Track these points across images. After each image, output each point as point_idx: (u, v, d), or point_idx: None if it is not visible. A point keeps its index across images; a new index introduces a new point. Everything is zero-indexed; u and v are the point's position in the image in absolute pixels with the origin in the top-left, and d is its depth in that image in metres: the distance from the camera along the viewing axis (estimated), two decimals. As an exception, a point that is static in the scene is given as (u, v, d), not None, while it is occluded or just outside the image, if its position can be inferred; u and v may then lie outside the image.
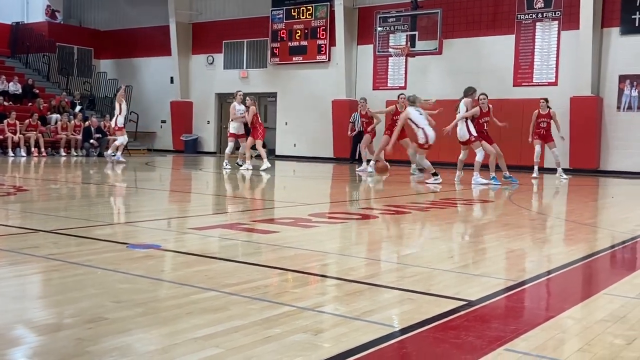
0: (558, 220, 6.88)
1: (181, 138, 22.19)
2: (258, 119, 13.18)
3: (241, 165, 13.45)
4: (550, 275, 3.73)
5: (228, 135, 13.56)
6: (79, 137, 18.33)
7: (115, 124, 15.68)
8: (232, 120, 13.30)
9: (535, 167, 12.93)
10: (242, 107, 13.20)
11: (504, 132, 13.56)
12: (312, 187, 10.37)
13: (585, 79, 15.47)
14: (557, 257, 4.33)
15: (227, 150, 13.66)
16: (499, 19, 17.01)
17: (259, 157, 13.83)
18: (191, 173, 13.60)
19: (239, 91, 13.88)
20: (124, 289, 3.02)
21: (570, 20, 15.90)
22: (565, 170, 15.71)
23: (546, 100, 12.82)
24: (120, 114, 15.44)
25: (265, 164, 13.09)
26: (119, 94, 15.89)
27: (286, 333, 2.38)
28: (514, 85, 16.62)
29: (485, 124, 10.97)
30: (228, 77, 21.83)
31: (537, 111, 12.76)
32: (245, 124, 13.36)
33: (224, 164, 13.47)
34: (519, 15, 16.76)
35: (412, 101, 11.15)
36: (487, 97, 11.11)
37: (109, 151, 15.62)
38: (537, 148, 12.84)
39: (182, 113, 22.44)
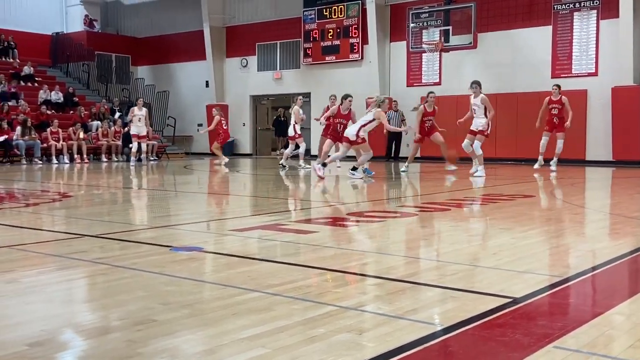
0: (602, 213, 6.72)
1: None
2: (222, 125, 15.86)
3: (285, 167, 13.94)
4: (597, 271, 3.65)
5: (298, 137, 14.17)
6: (119, 142, 18.73)
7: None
8: (296, 123, 14.02)
9: (540, 158, 12.96)
10: (301, 110, 14.23)
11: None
12: (349, 186, 10.36)
13: (627, 68, 15.06)
14: (603, 252, 4.23)
15: (301, 150, 14.18)
16: (535, 10, 16.70)
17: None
18: (228, 175, 13.76)
19: (300, 97, 14.88)
20: (170, 291, 3.07)
21: (609, 9, 15.50)
22: (608, 162, 15.31)
23: (558, 86, 12.85)
24: (131, 122, 16.76)
25: (223, 159, 15.60)
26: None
27: (330, 333, 2.39)
28: (552, 77, 16.29)
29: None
30: (262, 79, 22.01)
31: (548, 98, 12.77)
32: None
33: (301, 163, 14.02)
34: (555, 6, 16.43)
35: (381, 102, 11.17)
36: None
37: (132, 158, 16.31)
38: (544, 140, 12.79)
39: (217, 116, 22.68)
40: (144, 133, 16.84)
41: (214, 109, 16.77)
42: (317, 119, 14.16)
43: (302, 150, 14.16)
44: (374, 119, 10.81)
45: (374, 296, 3.06)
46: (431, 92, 12.38)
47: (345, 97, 11.29)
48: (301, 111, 14.15)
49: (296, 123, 14.03)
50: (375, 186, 10.18)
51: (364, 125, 10.80)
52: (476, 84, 11.58)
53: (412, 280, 3.31)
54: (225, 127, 16.01)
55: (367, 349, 2.23)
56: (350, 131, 10.85)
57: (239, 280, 3.25)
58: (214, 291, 3.13)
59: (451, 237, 5.04)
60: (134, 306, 2.77)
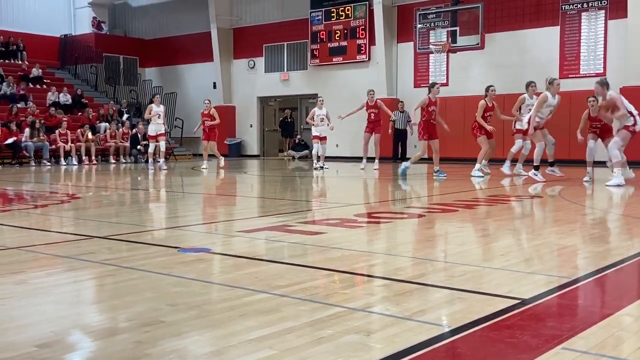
0: (612, 214, 6.69)
1: (225, 142, 22.51)
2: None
3: (322, 167, 14.14)
4: (606, 272, 3.63)
5: (312, 138, 14.53)
6: (127, 144, 18.80)
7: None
8: (315, 124, 14.15)
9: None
10: (323, 111, 14.21)
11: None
12: (357, 187, 10.35)
13: (636, 68, 14.99)
14: (612, 253, 4.21)
15: (319, 152, 14.30)
16: (543, 10, 16.66)
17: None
18: (236, 176, 13.78)
19: (320, 97, 14.86)
20: (178, 292, 3.08)
21: (617, 9, 15.44)
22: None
23: (596, 99, 10.20)
24: (144, 121, 16.49)
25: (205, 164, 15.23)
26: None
27: (338, 334, 2.39)
28: (560, 78, 16.21)
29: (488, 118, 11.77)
30: (269, 81, 22.05)
31: (587, 113, 10.48)
32: (286, 128, 14.69)
33: (318, 165, 14.16)
34: (563, 6, 16.37)
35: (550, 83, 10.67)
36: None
37: (150, 160, 16.02)
38: (591, 146, 10.50)
39: (225, 117, 22.73)
40: (162, 131, 15.72)
41: (205, 100, 16.21)
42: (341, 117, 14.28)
43: (315, 151, 14.26)
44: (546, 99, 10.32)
45: (382, 297, 3.06)
46: (491, 86, 12.04)
47: (433, 85, 11.70)
48: (318, 111, 14.14)
49: (314, 124, 14.14)
50: (383, 187, 10.15)
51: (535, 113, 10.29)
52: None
53: (419, 282, 3.30)
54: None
55: (375, 350, 2.23)
56: (522, 124, 10.58)
57: (247, 282, 3.26)
58: (221, 292, 3.13)
59: (459, 237, 5.02)
60: (142, 307, 2.78)
